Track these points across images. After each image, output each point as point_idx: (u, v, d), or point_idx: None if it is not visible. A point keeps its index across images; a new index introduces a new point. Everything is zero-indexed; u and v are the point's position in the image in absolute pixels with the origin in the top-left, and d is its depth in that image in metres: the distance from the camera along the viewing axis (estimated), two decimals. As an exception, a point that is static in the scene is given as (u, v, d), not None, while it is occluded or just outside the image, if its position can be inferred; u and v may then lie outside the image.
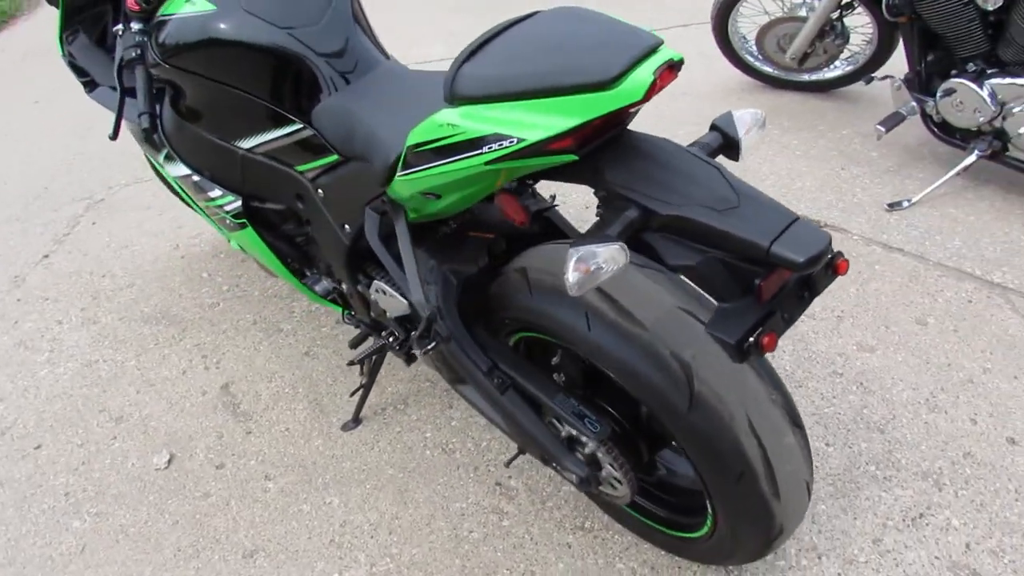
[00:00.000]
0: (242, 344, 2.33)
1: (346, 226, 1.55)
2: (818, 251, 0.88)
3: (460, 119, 1.03)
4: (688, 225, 0.95)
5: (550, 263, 1.31)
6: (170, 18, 1.52)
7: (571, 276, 0.94)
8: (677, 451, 1.60)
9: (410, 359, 1.72)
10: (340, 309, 1.94)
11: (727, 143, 1.08)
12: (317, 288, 1.87)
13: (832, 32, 3.06)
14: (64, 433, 2.08)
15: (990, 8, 2.30)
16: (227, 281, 2.62)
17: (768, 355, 1.51)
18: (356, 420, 2.01)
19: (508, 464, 1.66)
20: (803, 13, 3.14)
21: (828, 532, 1.64)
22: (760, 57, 3.40)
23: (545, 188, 2.46)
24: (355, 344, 1.88)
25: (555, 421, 1.46)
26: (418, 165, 1.12)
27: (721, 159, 1.10)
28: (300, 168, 1.56)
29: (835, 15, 3.00)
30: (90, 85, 1.94)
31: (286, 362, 2.25)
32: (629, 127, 1.10)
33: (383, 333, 1.69)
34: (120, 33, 1.72)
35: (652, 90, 0.89)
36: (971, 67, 2.47)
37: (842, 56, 3.21)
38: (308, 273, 1.89)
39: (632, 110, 0.95)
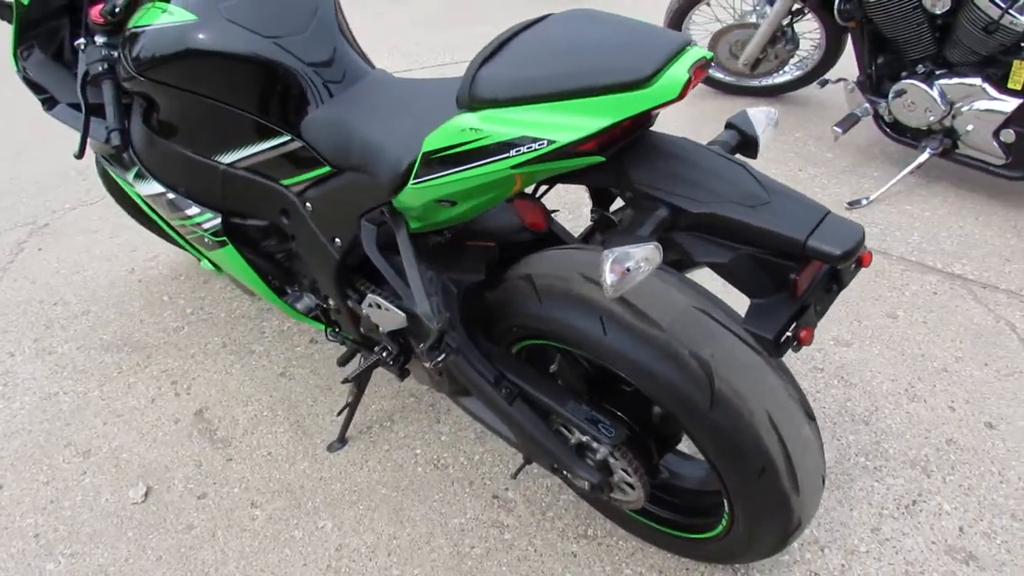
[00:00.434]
0: (213, 368, 2.24)
1: (337, 240, 1.51)
2: (854, 244, 0.89)
3: (483, 123, 1.02)
4: (720, 222, 0.95)
5: (557, 269, 1.30)
6: (144, 29, 1.46)
7: (608, 278, 0.93)
8: (680, 453, 1.60)
9: (403, 374, 1.68)
10: (322, 326, 1.89)
11: (745, 141, 1.09)
12: (299, 305, 1.82)
13: (783, 38, 3.14)
14: (27, 471, 1.96)
15: (938, 12, 2.40)
16: (190, 303, 2.53)
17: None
18: (342, 440, 1.95)
19: (515, 476, 1.64)
20: (753, 20, 3.22)
21: (827, 524, 1.66)
22: (713, 64, 3.47)
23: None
24: (343, 362, 1.82)
25: (563, 428, 1.44)
26: (435, 172, 1.10)
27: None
28: (286, 182, 1.52)
29: (785, 21, 3.09)
30: (49, 102, 1.85)
31: (261, 384, 2.17)
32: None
33: (376, 348, 1.64)
34: (82, 47, 1.64)
35: (687, 88, 0.89)
36: (920, 69, 2.57)
37: (792, 61, 3.31)
38: (289, 290, 1.83)
39: (657, 110, 0.95)
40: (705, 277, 1.30)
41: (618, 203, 1.46)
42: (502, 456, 1.89)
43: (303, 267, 1.74)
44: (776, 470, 1.19)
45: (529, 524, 1.72)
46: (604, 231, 1.53)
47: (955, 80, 2.49)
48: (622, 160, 1.03)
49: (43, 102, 1.85)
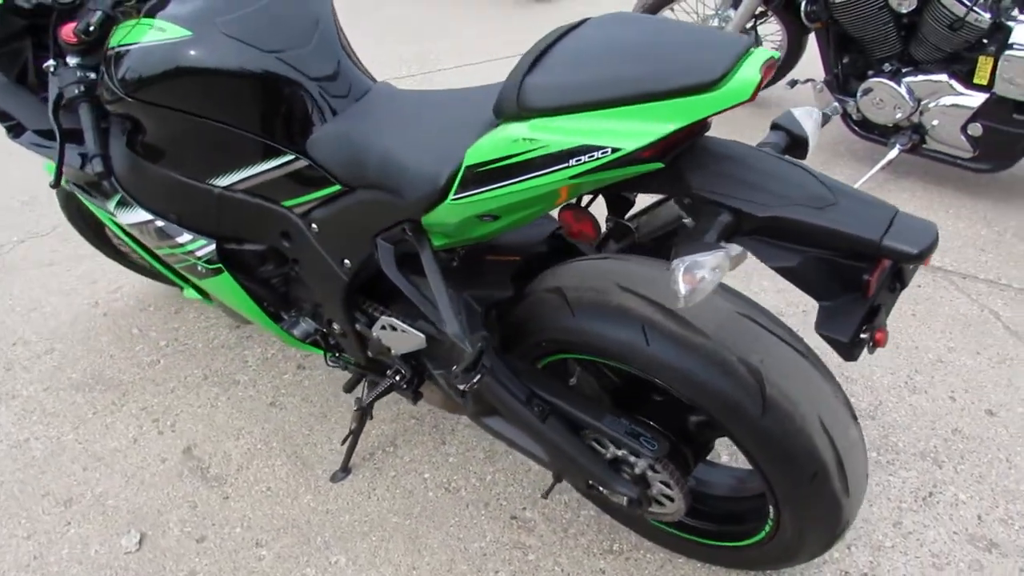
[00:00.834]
0: (196, 402, 2.13)
1: (346, 261, 1.44)
2: (930, 241, 0.88)
3: (538, 132, 0.97)
4: (788, 225, 0.93)
5: (590, 280, 1.26)
6: (130, 48, 1.37)
7: (682, 288, 0.90)
8: (707, 461, 1.58)
9: (417, 397, 1.62)
10: (321, 352, 1.81)
11: (794, 142, 1.07)
12: (295, 332, 1.74)
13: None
14: (5, 526, 1.82)
15: (904, 11, 2.46)
16: (163, 335, 2.41)
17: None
18: (345, 469, 1.87)
19: (546, 495, 1.58)
20: (715, 23, 3.26)
21: (851, 522, 1.66)
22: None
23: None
24: (349, 388, 1.75)
25: (594, 444, 1.40)
26: (482, 186, 1.05)
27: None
28: (288, 203, 1.44)
29: (749, 24, 3.13)
30: (15, 130, 1.73)
31: (251, 416, 2.07)
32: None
33: (388, 372, 1.58)
34: (52, 69, 1.54)
35: (758, 88, 0.86)
36: (887, 67, 2.63)
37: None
38: (285, 316, 1.75)
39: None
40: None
41: (633, 210, 1.44)
42: (515, 475, 1.84)
43: (304, 291, 1.67)
44: (828, 474, 1.17)
45: (552, 543, 1.67)
46: (620, 239, 1.50)
47: (922, 77, 2.56)
48: (678, 166, 1.00)
49: (8, 130, 1.73)
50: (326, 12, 1.41)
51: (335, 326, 1.62)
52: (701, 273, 0.90)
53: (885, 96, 2.62)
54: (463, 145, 1.13)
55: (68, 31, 1.49)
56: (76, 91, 1.48)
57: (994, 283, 2.35)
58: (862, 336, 0.92)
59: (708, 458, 1.61)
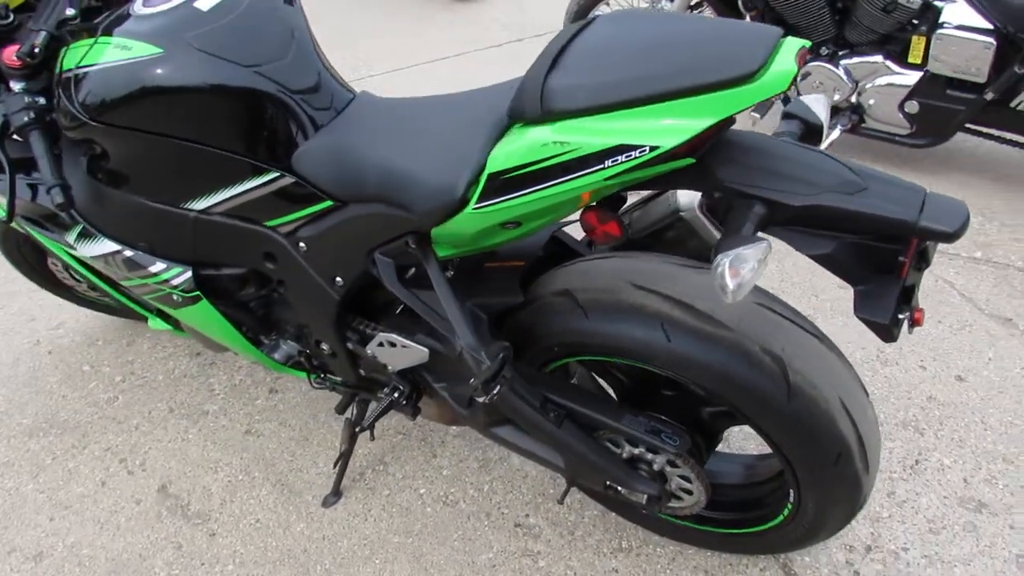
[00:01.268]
0: (165, 437, 2.02)
1: (338, 279, 1.39)
2: (964, 219, 0.90)
3: (568, 135, 0.95)
4: (823, 212, 0.94)
5: (601, 281, 1.25)
6: (90, 69, 1.28)
7: (730, 283, 0.90)
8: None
9: (416, 413, 1.58)
10: (303, 374, 1.74)
11: (809, 130, 1.08)
12: (276, 355, 1.67)
13: (682, 32, 3.23)
14: (-30, 589, 1.69)
15: (839, -5, 2.54)
16: (118, 370, 2.28)
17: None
18: (337, 493, 1.81)
19: (562, 501, 1.56)
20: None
21: (847, 496, 1.70)
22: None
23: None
24: (342, 409, 1.69)
25: (608, 445, 1.39)
26: (509, 192, 1.02)
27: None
28: (272, 223, 1.38)
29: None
30: (-49, 164, 1.59)
31: (227, 447, 1.98)
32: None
33: (385, 390, 1.53)
34: None
35: (795, 78, 0.86)
36: (824, 51, 2.71)
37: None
38: (265, 340, 1.68)
39: None
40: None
41: (624, 206, 1.43)
42: (513, 482, 1.81)
43: (288, 313, 1.60)
44: (851, 454, 1.19)
45: (561, 547, 1.66)
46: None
47: (858, 59, 2.65)
48: (706, 161, 0.99)
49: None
50: (300, 23, 1.35)
51: (323, 347, 1.56)
52: (747, 266, 0.89)
53: (824, 79, 2.70)
54: (474, 152, 1.09)
55: (9, 55, 1.38)
56: (25, 118, 1.38)
57: (943, 253, 2.45)
58: (900, 317, 0.94)
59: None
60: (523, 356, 1.38)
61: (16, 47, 1.39)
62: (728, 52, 0.88)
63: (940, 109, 2.56)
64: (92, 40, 1.31)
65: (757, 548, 1.50)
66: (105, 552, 1.74)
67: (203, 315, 1.54)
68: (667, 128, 0.90)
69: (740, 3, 2.75)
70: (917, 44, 2.51)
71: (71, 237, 1.54)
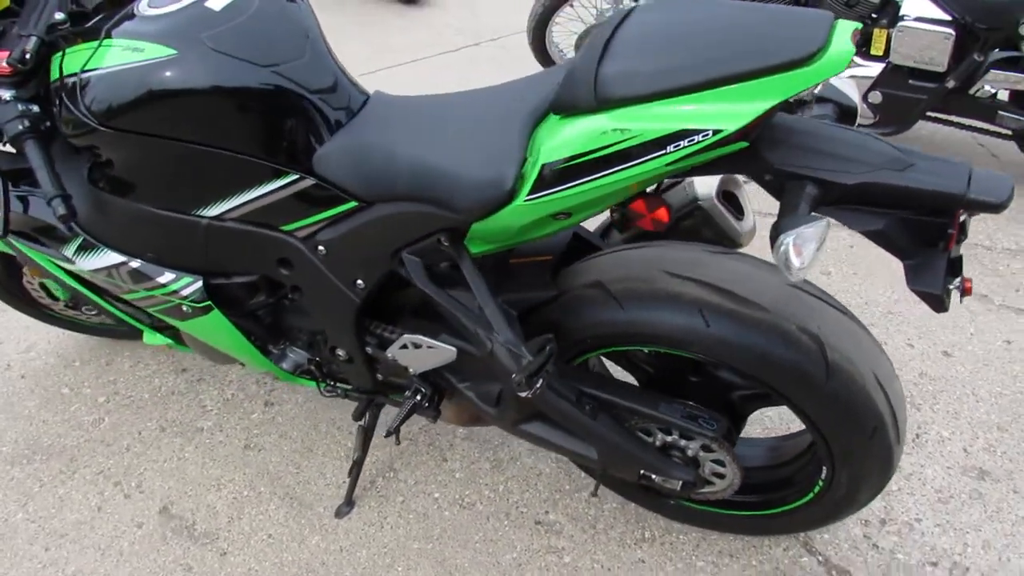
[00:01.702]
0: (159, 457, 1.95)
1: (359, 282, 1.37)
2: (1010, 190, 0.93)
3: (626, 122, 0.95)
4: (875, 190, 0.96)
5: (634, 271, 1.26)
6: (99, 73, 1.23)
7: (795, 261, 0.91)
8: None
9: (437, 415, 1.56)
10: (314, 384, 1.71)
11: (843, 112, 1.11)
12: (284, 365, 1.63)
13: (646, 31, 3.28)
14: (-34, 628, 1.60)
15: (803, -10, 2.62)
16: (100, 391, 2.19)
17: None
18: (350, 503, 1.77)
19: (595, 494, 1.56)
20: (611, 16, 3.34)
21: (856, 473, 1.75)
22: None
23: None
24: (359, 415, 1.66)
25: (640, 434, 1.40)
26: (565, 182, 1.01)
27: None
28: (289, 227, 1.35)
29: (649, 15, 3.23)
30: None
31: (227, 463, 1.92)
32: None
33: (407, 393, 1.51)
34: None
35: (852, 59, 0.89)
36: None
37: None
38: (273, 350, 1.64)
39: None
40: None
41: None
42: (527, 481, 1.81)
43: (300, 320, 1.56)
44: (885, 427, 1.22)
45: (584, 542, 1.66)
46: (625, 228, 1.51)
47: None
48: (756, 144, 1.01)
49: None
50: (312, 23, 1.33)
51: (339, 353, 1.53)
52: (810, 245, 0.91)
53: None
54: (513, 145, 1.09)
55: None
56: (20, 127, 1.31)
57: (915, 236, 2.54)
58: (950, 287, 0.97)
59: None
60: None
61: (4, 54, 1.33)
62: (786, 35, 0.90)
63: (903, 99, 2.66)
64: (95, 43, 1.26)
65: (782, 528, 1.52)
66: (110, 580, 1.67)
67: (214, 326, 1.50)
68: (729, 112, 0.91)
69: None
70: (879, 36, 2.60)
71: (69, 251, 1.48)
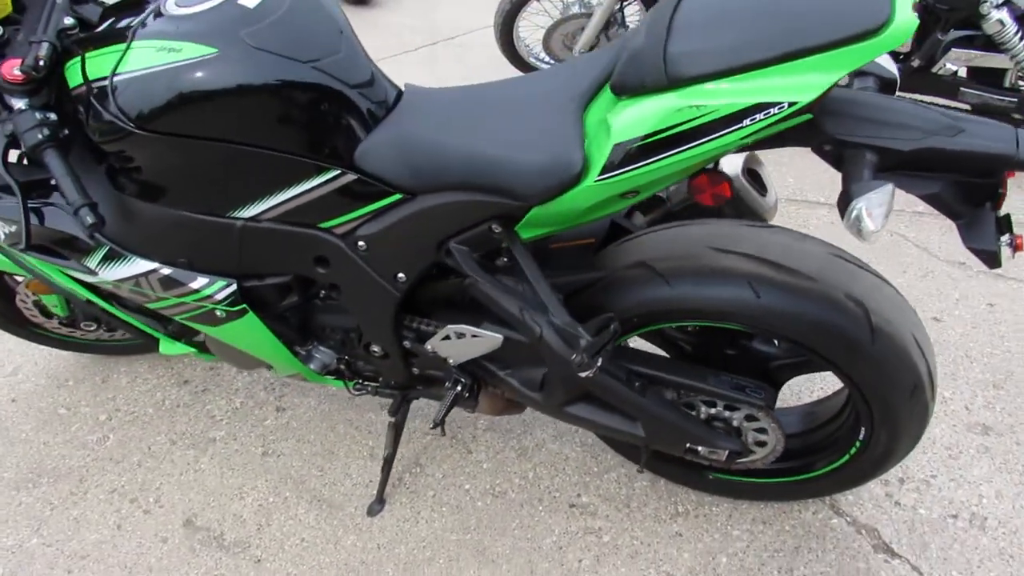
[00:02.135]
0: (174, 471, 1.91)
1: (400, 275, 1.37)
2: None
3: (701, 99, 0.98)
4: (930, 155, 1.01)
5: (679, 249, 1.29)
6: (134, 75, 1.20)
7: (869, 224, 0.96)
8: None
9: (476, 405, 1.57)
10: (339, 384, 1.70)
11: (884, 83, 1.16)
12: (312, 365, 1.61)
13: (615, 23, 3.34)
14: (-5, 658, 1.55)
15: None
16: (100, 409, 2.13)
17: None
18: (381, 500, 1.77)
19: (642, 469, 1.59)
20: (576, 10, 3.39)
21: (870, 436, 1.83)
22: (548, 58, 3.60)
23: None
24: (394, 411, 1.66)
25: (686, 408, 1.44)
26: (640, 160, 1.04)
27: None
28: (327, 224, 1.34)
29: (617, 7, 3.28)
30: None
31: (246, 471, 1.89)
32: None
33: (447, 385, 1.52)
34: None
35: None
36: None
37: (619, 45, 3.53)
38: (301, 351, 1.62)
39: None
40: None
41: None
42: (555, 466, 1.83)
43: (331, 319, 1.55)
44: (923, 385, 1.28)
45: (621, 520, 1.69)
46: (648, 211, 1.54)
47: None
48: (815, 117, 1.05)
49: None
50: (343, 18, 1.32)
51: (374, 349, 1.53)
52: (880, 208, 0.96)
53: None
54: (570, 128, 1.12)
55: (9, 69, 1.28)
56: (39, 136, 1.28)
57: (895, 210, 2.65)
58: (1001, 243, 1.03)
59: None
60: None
61: (14, 61, 1.29)
62: (853, 8, 0.94)
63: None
64: (122, 46, 1.23)
65: (815, 491, 1.58)
66: (143, 596, 1.63)
67: (248, 329, 1.48)
68: (803, 84, 0.95)
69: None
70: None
71: (92, 262, 1.44)
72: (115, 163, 1.33)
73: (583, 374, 1.22)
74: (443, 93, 1.35)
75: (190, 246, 1.39)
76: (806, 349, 1.27)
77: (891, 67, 1.16)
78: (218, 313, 1.45)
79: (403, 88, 1.38)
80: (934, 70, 2.68)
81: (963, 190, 1.04)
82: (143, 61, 1.20)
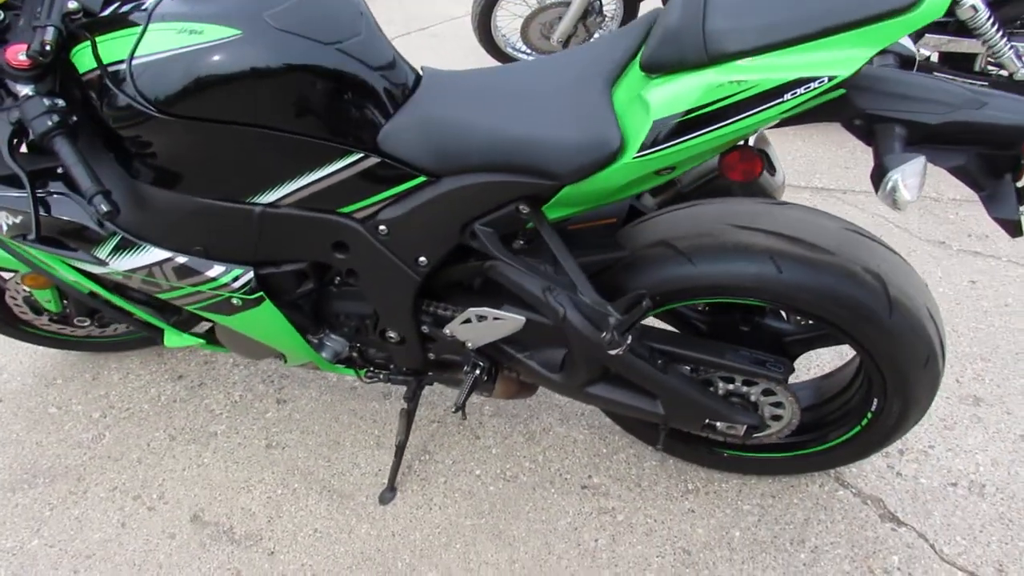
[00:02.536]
0: (177, 466, 1.88)
1: (422, 259, 1.37)
2: None
3: (741, 75, 1.00)
4: (956, 128, 1.05)
5: (701, 227, 1.31)
6: (154, 58, 1.17)
7: (906, 195, 0.99)
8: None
9: (492, 389, 1.57)
10: (353, 372, 1.69)
11: (904, 60, 1.19)
12: (324, 354, 1.60)
13: (593, 11, 3.36)
14: (5, 662, 1.51)
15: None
16: (93, 406, 2.08)
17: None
18: (392, 488, 1.76)
19: (660, 448, 1.61)
20: (551, 0, 3.41)
21: (868, 410, 1.88)
22: (526, 48, 3.60)
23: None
24: (410, 397, 1.65)
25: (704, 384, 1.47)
26: (680, 136, 1.05)
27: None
28: (347, 209, 1.33)
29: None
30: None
31: (252, 465, 1.87)
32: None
33: (466, 368, 1.52)
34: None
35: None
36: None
37: (596, 33, 3.55)
38: (313, 339, 1.61)
39: None
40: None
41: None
42: (564, 449, 1.85)
43: (346, 306, 1.54)
44: (936, 356, 1.33)
45: (634, 499, 1.71)
46: (658, 192, 1.57)
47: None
48: (847, 92, 1.08)
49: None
50: (362, 1, 1.32)
51: (390, 335, 1.53)
52: (915, 179, 0.99)
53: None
54: (602, 107, 1.13)
55: (14, 55, 1.25)
56: (49, 122, 1.24)
57: (870, 193, 2.72)
58: (1023, 213, 1.07)
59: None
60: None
61: (18, 47, 1.25)
62: None
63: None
64: (138, 28, 1.21)
65: (823, 464, 1.62)
66: (155, 593, 1.60)
67: (264, 318, 1.46)
68: (841, 58, 0.97)
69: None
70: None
71: (102, 252, 1.40)
72: (131, 148, 1.30)
73: (613, 352, 1.24)
74: (463, 75, 1.35)
75: (207, 233, 1.37)
76: (826, 323, 1.30)
77: (910, 45, 1.19)
78: (234, 301, 1.43)
79: (421, 71, 1.38)
80: (908, 56, 2.75)
81: (986, 162, 1.08)
82: (163, 44, 1.18)
